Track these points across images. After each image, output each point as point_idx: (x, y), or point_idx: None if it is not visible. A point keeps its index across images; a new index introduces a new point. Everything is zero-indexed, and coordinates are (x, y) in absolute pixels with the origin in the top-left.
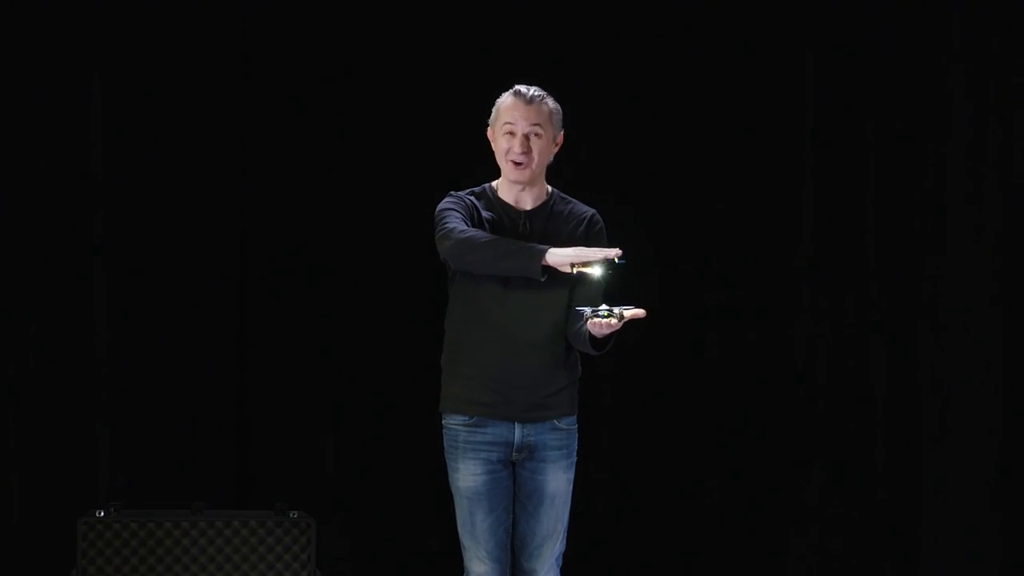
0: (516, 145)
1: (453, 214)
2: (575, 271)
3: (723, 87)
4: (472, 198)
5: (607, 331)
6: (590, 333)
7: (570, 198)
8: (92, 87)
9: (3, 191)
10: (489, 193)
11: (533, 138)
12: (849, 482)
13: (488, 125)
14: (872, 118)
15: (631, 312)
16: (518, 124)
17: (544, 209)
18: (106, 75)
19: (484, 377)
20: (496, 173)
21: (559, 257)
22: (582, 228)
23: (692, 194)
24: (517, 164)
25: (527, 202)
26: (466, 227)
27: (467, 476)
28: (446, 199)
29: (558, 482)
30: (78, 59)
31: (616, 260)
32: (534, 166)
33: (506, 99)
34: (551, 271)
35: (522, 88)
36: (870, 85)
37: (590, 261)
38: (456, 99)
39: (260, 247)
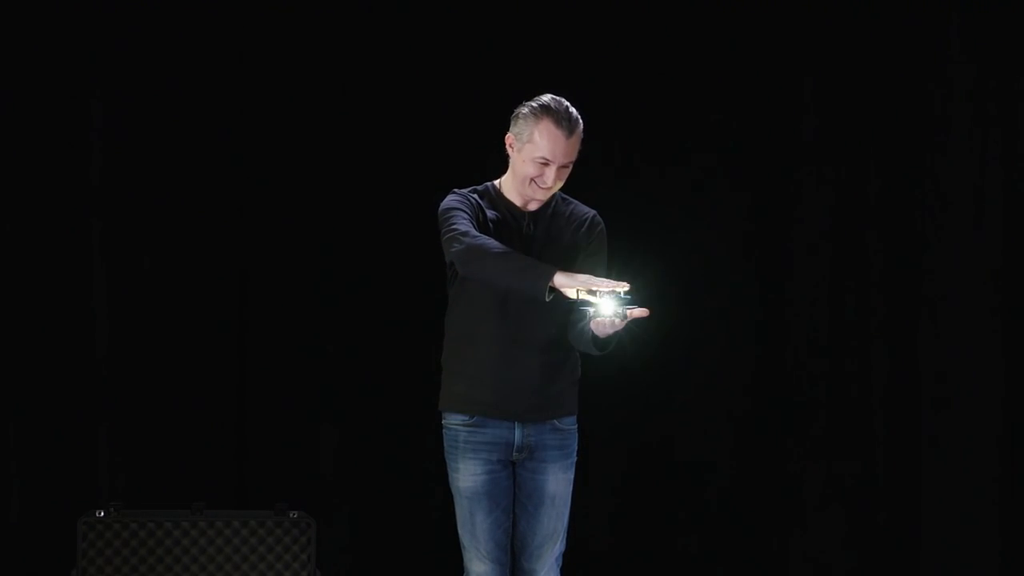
0: (550, 179)
1: (460, 215)
2: (580, 296)
3: (723, 88)
4: (476, 196)
5: (611, 330)
6: (593, 332)
7: (571, 199)
8: (92, 87)
9: (3, 192)
10: (492, 192)
11: (563, 169)
12: (849, 484)
13: (509, 133)
14: (872, 116)
15: (633, 311)
16: (556, 159)
17: (547, 210)
18: (107, 77)
19: (485, 376)
20: (498, 172)
21: (567, 281)
22: (584, 229)
23: (690, 195)
24: (542, 188)
25: (533, 203)
26: (475, 231)
27: (467, 476)
28: (450, 197)
29: (558, 483)
30: (79, 60)
31: (623, 294)
32: (557, 190)
33: (546, 126)
34: (567, 260)
35: (562, 111)
36: (871, 85)
37: (597, 290)
38: (457, 98)
39: (259, 247)
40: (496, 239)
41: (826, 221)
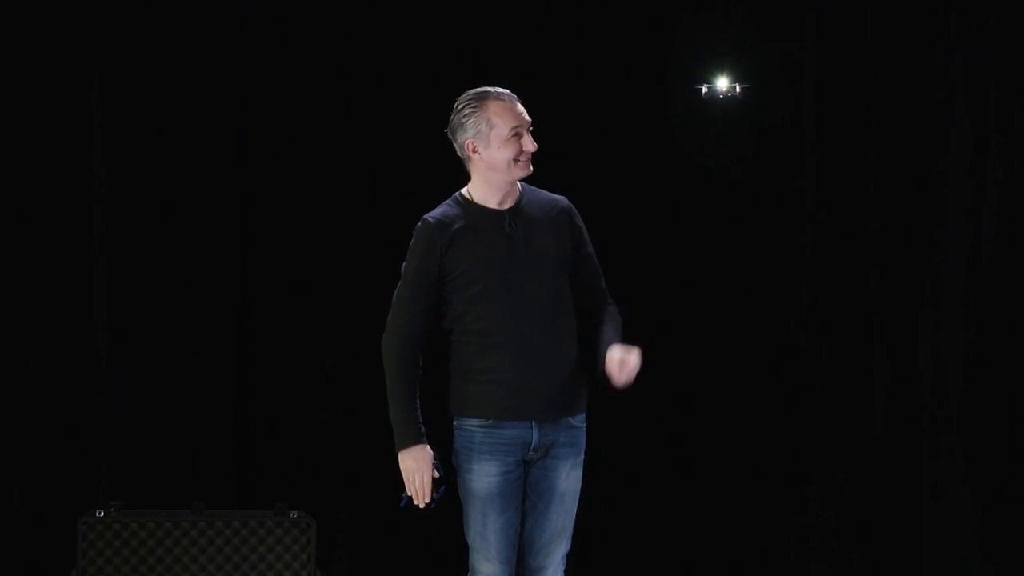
0: (530, 142)
1: (405, 298)
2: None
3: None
4: (445, 218)
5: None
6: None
7: (536, 188)
8: (92, 85)
9: (3, 190)
10: (463, 202)
11: (531, 131)
12: (849, 485)
13: (467, 140)
14: (874, 112)
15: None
16: (523, 124)
17: (521, 204)
18: (106, 72)
19: (500, 380)
20: (458, 183)
21: (407, 464)
22: (561, 216)
23: (688, 196)
24: (527, 159)
25: (507, 201)
26: (402, 336)
27: (481, 477)
28: (413, 246)
29: (569, 480)
30: (78, 56)
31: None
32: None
33: (496, 105)
34: (556, 248)
35: (495, 89)
36: (872, 82)
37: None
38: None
39: (260, 247)
40: (479, 248)
41: (827, 222)
